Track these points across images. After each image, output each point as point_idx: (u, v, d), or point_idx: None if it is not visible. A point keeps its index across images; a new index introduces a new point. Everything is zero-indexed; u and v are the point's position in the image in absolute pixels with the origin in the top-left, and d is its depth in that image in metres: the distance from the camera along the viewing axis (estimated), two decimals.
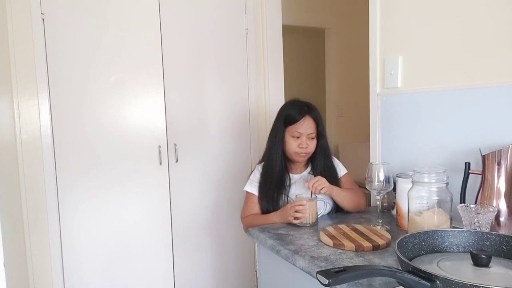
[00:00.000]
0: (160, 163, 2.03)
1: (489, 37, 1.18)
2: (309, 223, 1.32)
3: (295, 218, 1.32)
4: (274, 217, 1.42)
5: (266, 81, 2.33)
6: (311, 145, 1.50)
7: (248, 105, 2.28)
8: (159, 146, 2.02)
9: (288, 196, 1.49)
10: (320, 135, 1.51)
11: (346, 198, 1.47)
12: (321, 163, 1.53)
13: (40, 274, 1.86)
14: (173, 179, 2.08)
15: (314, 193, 1.37)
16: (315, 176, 1.47)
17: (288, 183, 1.52)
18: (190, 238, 2.15)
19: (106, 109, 1.92)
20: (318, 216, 1.41)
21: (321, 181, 1.39)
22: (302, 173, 1.56)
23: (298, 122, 1.48)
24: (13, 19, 1.75)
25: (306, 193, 1.41)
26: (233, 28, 2.22)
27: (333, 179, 1.52)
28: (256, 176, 1.56)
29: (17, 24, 1.75)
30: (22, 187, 1.79)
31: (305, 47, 4.09)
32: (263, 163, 1.58)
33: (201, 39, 2.12)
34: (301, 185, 1.53)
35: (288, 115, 1.51)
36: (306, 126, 1.48)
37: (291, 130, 1.49)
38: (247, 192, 1.56)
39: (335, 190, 1.44)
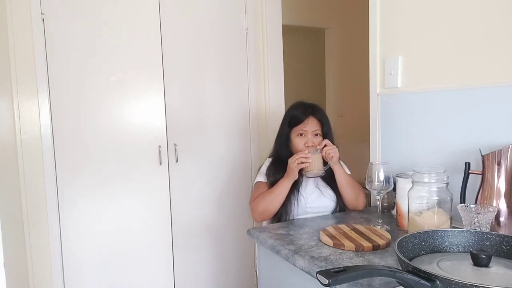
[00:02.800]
0: (160, 163, 2.03)
1: (489, 37, 1.18)
2: (317, 170, 1.40)
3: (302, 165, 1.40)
4: (282, 181, 1.45)
5: (266, 81, 2.33)
6: (317, 143, 1.51)
7: (248, 105, 2.28)
8: (159, 146, 2.02)
9: (299, 191, 1.50)
10: (326, 135, 1.54)
11: (346, 179, 1.49)
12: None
13: (40, 274, 1.86)
14: (173, 179, 2.08)
15: (323, 156, 1.45)
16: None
17: (300, 180, 1.52)
18: (190, 238, 2.15)
19: (106, 109, 1.92)
20: (327, 213, 1.46)
21: (334, 150, 1.45)
22: None
23: (302, 122, 1.52)
24: (13, 19, 1.75)
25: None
26: (233, 28, 2.22)
27: None
28: (267, 166, 1.59)
29: (17, 24, 1.75)
30: (22, 187, 1.79)
31: (305, 47, 4.09)
32: (272, 157, 1.61)
33: (201, 39, 2.12)
34: (310, 183, 1.54)
35: (293, 116, 1.56)
36: (310, 124, 1.52)
37: (296, 130, 1.53)
38: (257, 182, 1.57)
39: (339, 165, 1.49)
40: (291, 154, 1.54)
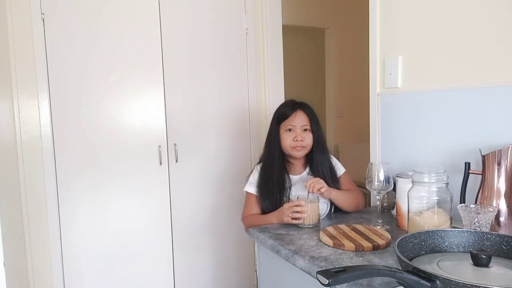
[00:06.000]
0: (160, 163, 2.03)
1: (489, 36, 1.18)
2: (311, 225, 1.32)
3: (294, 219, 1.32)
4: (271, 217, 1.42)
5: (266, 81, 2.33)
6: (307, 138, 1.50)
7: (248, 105, 2.28)
8: (159, 146, 2.02)
9: (289, 197, 1.49)
10: (315, 130, 1.51)
11: (345, 201, 1.47)
12: (319, 162, 1.53)
13: (40, 274, 1.86)
14: (173, 179, 2.08)
15: (312, 192, 1.37)
16: (314, 177, 1.48)
17: (288, 184, 1.51)
18: (190, 238, 2.15)
19: (106, 109, 1.93)
20: (321, 217, 1.41)
21: (319, 181, 1.40)
22: (302, 174, 1.56)
23: (289, 117, 1.50)
24: (13, 19, 1.75)
25: (307, 194, 1.41)
26: (233, 28, 2.22)
27: (333, 178, 1.52)
28: (255, 176, 1.56)
29: (17, 24, 1.75)
30: (22, 187, 1.79)
31: (305, 47, 4.09)
32: (261, 163, 1.59)
33: (201, 39, 2.12)
34: (301, 186, 1.52)
35: (280, 112, 1.55)
36: (298, 119, 1.50)
37: (284, 125, 1.51)
38: (247, 192, 1.57)
39: (334, 193, 1.43)
40: (281, 153, 1.54)
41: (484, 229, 0.97)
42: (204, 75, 2.14)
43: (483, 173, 1.11)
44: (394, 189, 1.29)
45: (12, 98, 1.76)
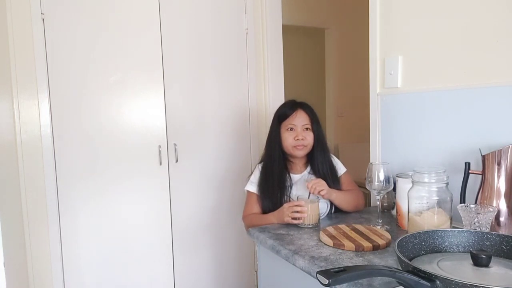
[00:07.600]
0: (160, 163, 2.03)
1: (489, 36, 1.18)
2: (311, 225, 1.32)
3: (294, 218, 1.31)
4: (272, 217, 1.42)
5: (266, 81, 2.33)
6: (308, 137, 1.50)
7: (248, 105, 2.28)
8: (159, 146, 2.02)
9: (289, 196, 1.49)
10: (315, 129, 1.52)
11: (345, 201, 1.47)
12: (320, 162, 1.53)
13: (40, 274, 1.86)
14: (173, 179, 2.08)
15: (312, 193, 1.37)
16: (316, 177, 1.48)
17: (289, 183, 1.52)
18: (190, 238, 2.15)
19: (106, 109, 1.93)
20: (321, 217, 1.41)
21: (321, 183, 1.40)
22: (302, 173, 1.56)
23: (290, 116, 1.51)
24: (13, 19, 1.75)
25: (307, 194, 1.41)
26: (233, 28, 2.22)
27: (334, 178, 1.52)
28: (256, 175, 1.56)
29: (17, 24, 1.75)
30: (22, 187, 1.79)
31: (305, 47, 4.10)
32: (262, 163, 1.59)
33: (201, 39, 2.12)
34: (302, 186, 1.53)
35: (281, 112, 1.56)
36: (298, 118, 1.51)
37: (285, 124, 1.52)
38: (248, 191, 1.57)
39: (334, 194, 1.44)
40: (282, 152, 1.54)
41: (484, 229, 0.97)
42: (204, 75, 2.14)
43: (483, 173, 1.11)
44: (394, 189, 1.29)
45: (12, 98, 1.76)
